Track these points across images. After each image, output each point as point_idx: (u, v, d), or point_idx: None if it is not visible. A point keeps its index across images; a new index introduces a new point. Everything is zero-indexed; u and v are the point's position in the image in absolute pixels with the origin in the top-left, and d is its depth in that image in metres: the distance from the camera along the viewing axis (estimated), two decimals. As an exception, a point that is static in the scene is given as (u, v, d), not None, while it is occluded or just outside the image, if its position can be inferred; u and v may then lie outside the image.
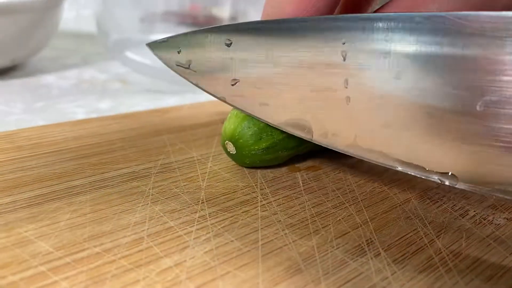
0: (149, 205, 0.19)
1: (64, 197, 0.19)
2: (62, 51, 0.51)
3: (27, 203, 0.19)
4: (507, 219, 0.20)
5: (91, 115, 0.33)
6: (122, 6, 0.47)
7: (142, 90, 0.40)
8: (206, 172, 0.22)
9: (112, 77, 0.43)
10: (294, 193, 0.21)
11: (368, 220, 0.19)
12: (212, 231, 0.18)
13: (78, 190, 0.20)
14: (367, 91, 0.18)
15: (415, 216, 0.20)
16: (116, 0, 0.47)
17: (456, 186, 0.17)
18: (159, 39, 0.25)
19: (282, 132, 0.22)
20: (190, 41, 0.23)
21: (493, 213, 0.21)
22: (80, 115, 0.33)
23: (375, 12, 0.25)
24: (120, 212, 0.19)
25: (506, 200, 0.22)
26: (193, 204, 0.20)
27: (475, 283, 0.16)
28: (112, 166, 0.22)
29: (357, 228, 0.19)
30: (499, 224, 0.20)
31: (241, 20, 0.56)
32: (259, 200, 0.20)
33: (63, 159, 0.23)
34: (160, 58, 0.25)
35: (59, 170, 0.22)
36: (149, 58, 0.45)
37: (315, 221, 0.19)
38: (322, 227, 0.19)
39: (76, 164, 0.22)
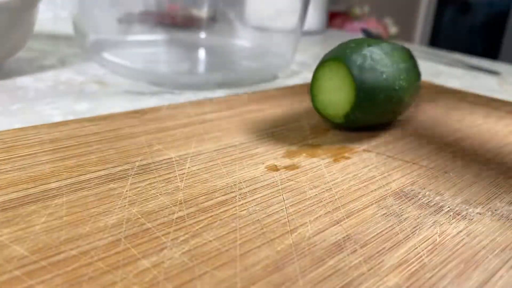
0: (126, 207, 0.19)
1: (40, 200, 0.19)
2: (39, 53, 0.50)
3: (1, 207, 0.18)
4: (480, 214, 0.21)
5: (68, 117, 0.32)
6: (99, 7, 0.46)
7: (120, 91, 0.39)
8: (184, 173, 0.22)
9: (89, 79, 0.42)
10: (272, 192, 0.21)
11: (345, 217, 0.20)
12: (190, 231, 0.18)
13: (54, 193, 0.20)
14: None
15: (391, 213, 0.20)
16: (93, 1, 0.47)
17: None
18: None
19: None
20: None
21: (467, 209, 0.21)
22: (57, 117, 0.32)
23: None
24: (97, 215, 0.18)
25: (478, 195, 0.23)
26: (171, 205, 0.19)
27: (449, 277, 0.16)
28: (89, 168, 0.22)
29: (334, 225, 0.19)
30: (472, 219, 0.20)
31: (220, 20, 0.56)
32: (237, 200, 0.20)
33: (39, 162, 0.22)
34: None
35: (34, 173, 0.21)
36: (127, 59, 0.45)
37: (293, 219, 0.19)
38: (300, 226, 0.19)
39: (52, 166, 0.22)
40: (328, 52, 0.30)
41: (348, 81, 0.28)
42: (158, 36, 0.55)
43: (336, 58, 0.28)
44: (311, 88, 0.30)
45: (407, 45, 0.93)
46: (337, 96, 0.29)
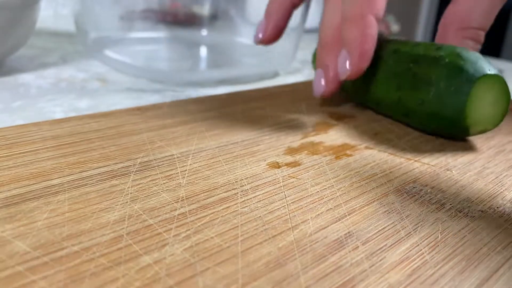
0: (128, 203, 0.19)
1: (42, 196, 0.19)
2: (41, 50, 0.50)
3: (4, 203, 0.18)
4: (481, 211, 0.21)
5: (69, 114, 0.32)
6: (101, 4, 0.46)
7: (122, 88, 0.39)
8: (186, 170, 0.22)
9: (91, 76, 0.42)
10: (274, 189, 0.21)
11: (347, 214, 0.20)
12: (192, 228, 0.18)
13: (56, 189, 0.20)
14: None
15: (392, 210, 0.20)
16: (95, -2, 0.47)
17: None
18: None
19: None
20: None
21: (469, 206, 0.21)
22: (59, 114, 0.32)
23: None
24: (99, 211, 0.18)
25: (480, 193, 0.23)
26: (172, 202, 0.20)
27: (451, 274, 0.16)
28: (90, 165, 0.22)
29: (335, 222, 0.19)
30: (474, 216, 0.20)
31: (222, 18, 0.56)
32: (239, 197, 0.20)
33: (41, 159, 0.22)
34: None
35: (36, 170, 0.21)
36: (129, 57, 0.45)
37: (294, 216, 0.19)
38: (301, 222, 0.19)
39: (54, 163, 0.22)
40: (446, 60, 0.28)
41: (504, 95, 0.28)
42: (160, 33, 0.55)
43: (494, 75, 0.27)
44: (465, 109, 0.27)
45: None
46: (492, 110, 0.28)
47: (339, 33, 0.30)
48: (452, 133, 0.29)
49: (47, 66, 0.44)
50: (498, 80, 0.27)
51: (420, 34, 2.57)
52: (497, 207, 0.21)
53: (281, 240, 0.17)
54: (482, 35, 0.32)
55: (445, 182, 0.24)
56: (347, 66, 0.29)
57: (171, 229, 0.18)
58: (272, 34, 0.35)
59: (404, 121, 0.31)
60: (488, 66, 0.27)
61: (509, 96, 0.27)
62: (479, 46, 0.32)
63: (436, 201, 0.21)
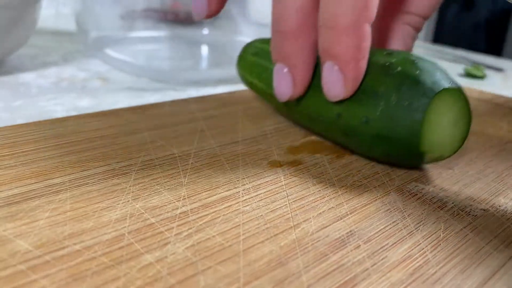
0: (129, 202, 0.19)
1: (44, 195, 0.19)
2: (41, 49, 0.50)
3: (5, 202, 0.18)
4: (483, 210, 0.21)
5: (70, 113, 0.32)
6: (101, 3, 0.46)
7: (123, 88, 0.39)
8: (187, 169, 0.22)
9: (92, 75, 0.42)
10: (276, 187, 0.21)
11: (348, 213, 0.20)
12: (194, 227, 0.18)
13: (58, 188, 0.20)
14: None
15: (394, 209, 0.20)
16: (96, -3, 0.47)
17: None
18: None
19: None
20: None
21: (470, 205, 0.21)
22: (60, 113, 0.32)
23: None
24: (101, 210, 0.18)
25: (481, 192, 0.23)
26: (174, 201, 0.19)
27: (453, 273, 0.16)
28: (92, 164, 0.22)
29: (337, 221, 0.19)
30: (476, 215, 0.20)
31: (223, 17, 0.56)
32: (240, 195, 0.20)
33: (42, 157, 0.22)
34: None
35: (38, 169, 0.21)
36: (130, 56, 0.45)
37: (296, 215, 0.19)
38: (303, 221, 0.19)
39: (56, 162, 0.22)
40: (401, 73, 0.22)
41: (466, 114, 0.23)
42: (161, 32, 0.55)
43: (456, 90, 0.22)
44: (420, 130, 0.22)
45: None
46: (451, 133, 0.22)
47: (308, 17, 0.22)
48: (402, 160, 0.23)
49: (48, 65, 0.44)
50: (461, 96, 0.22)
51: (422, 33, 2.57)
52: (499, 206, 0.21)
53: (283, 239, 0.17)
54: (422, 23, 0.30)
55: (447, 181, 0.24)
56: (340, 86, 0.22)
57: (173, 227, 0.18)
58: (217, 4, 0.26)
59: (343, 143, 0.25)
60: (448, 78, 0.23)
61: (471, 116, 0.23)
62: (416, 36, 0.30)
63: (437, 200, 0.21)
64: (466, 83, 0.53)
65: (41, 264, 0.15)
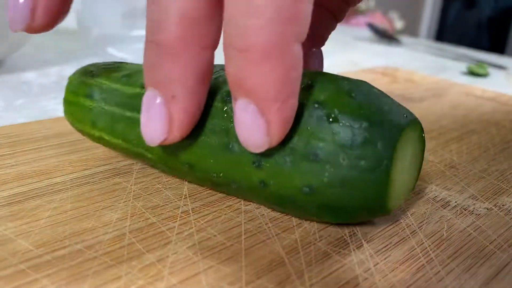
0: (131, 201, 0.19)
1: (45, 194, 0.19)
2: (43, 48, 0.50)
3: (6, 201, 0.18)
4: (487, 209, 0.21)
5: (72, 112, 0.32)
6: (103, 1, 0.46)
7: (125, 86, 0.39)
8: (189, 168, 0.22)
9: (94, 74, 0.42)
10: (278, 187, 0.21)
11: (351, 212, 0.19)
12: (195, 226, 0.18)
13: (59, 188, 0.20)
14: None
15: (397, 208, 0.20)
16: (97, -5, 0.47)
17: None
18: None
19: None
20: None
21: (474, 204, 0.21)
22: (61, 112, 0.32)
23: None
24: (102, 209, 0.18)
25: (485, 190, 0.22)
26: (175, 200, 0.19)
27: (456, 272, 0.16)
28: (93, 163, 0.22)
29: (340, 220, 0.19)
30: (479, 214, 0.20)
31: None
32: (242, 195, 0.20)
33: (44, 157, 0.22)
34: None
35: (39, 168, 0.21)
36: (132, 54, 0.45)
37: (298, 214, 0.19)
38: (305, 220, 0.19)
39: (57, 161, 0.22)
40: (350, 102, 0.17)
41: (421, 152, 0.19)
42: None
43: (415, 120, 0.18)
44: (387, 188, 0.16)
45: (413, 39, 0.93)
46: (407, 177, 0.18)
47: (199, 26, 0.15)
48: (361, 219, 0.18)
49: (49, 64, 0.44)
50: (419, 125, 0.18)
51: (424, 31, 2.56)
52: (503, 205, 0.21)
53: (285, 238, 0.17)
54: (346, 10, 0.23)
55: (449, 180, 0.23)
56: (260, 134, 0.15)
57: (174, 227, 0.17)
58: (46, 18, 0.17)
59: (275, 209, 0.19)
60: (392, 102, 0.18)
61: (422, 155, 0.19)
62: (333, 29, 0.24)
63: (441, 199, 0.21)
64: (469, 81, 0.53)
65: (42, 264, 0.15)
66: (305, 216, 0.18)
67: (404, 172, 0.18)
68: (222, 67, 0.20)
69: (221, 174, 0.18)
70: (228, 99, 0.18)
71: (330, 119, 0.16)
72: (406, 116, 0.17)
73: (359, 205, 0.17)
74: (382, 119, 0.16)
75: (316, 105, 0.17)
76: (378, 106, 0.17)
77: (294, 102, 0.15)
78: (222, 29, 0.15)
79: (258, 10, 0.13)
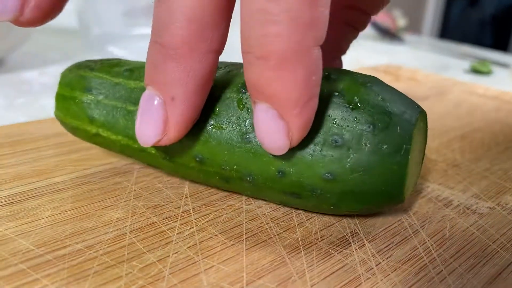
0: (131, 200, 0.19)
1: (45, 194, 0.19)
2: (43, 47, 0.50)
3: (7, 201, 0.18)
4: (490, 208, 0.21)
5: (73, 111, 0.32)
6: (104, 0, 0.46)
7: (126, 85, 0.39)
8: (190, 167, 0.22)
9: (95, 72, 0.42)
10: (279, 186, 0.21)
11: (353, 211, 0.19)
12: (196, 225, 0.18)
13: (59, 187, 0.20)
14: None
15: (399, 207, 0.20)
16: (98, -6, 0.47)
17: None
18: None
19: None
20: None
21: (477, 203, 0.21)
22: (63, 111, 0.32)
23: None
24: (102, 209, 0.18)
25: (488, 190, 0.22)
26: (176, 199, 0.19)
27: (459, 272, 0.16)
28: (93, 162, 0.22)
29: (341, 219, 0.19)
30: (482, 213, 0.20)
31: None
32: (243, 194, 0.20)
33: (44, 156, 0.22)
34: None
35: (39, 167, 0.21)
36: (133, 53, 0.45)
37: (299, 213, 0.19)
38: (307, 220, 0.18)
39: (57, 160, 0.22)
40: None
41: (424, 145, 0.19)
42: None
43: (423, 113, 0.18)
44: (404, 175, 0.17)
45: (416, 37, 0.92)
46: (414, 168, 0.18)
47: (207, 31, 0.15)
48: (375, 208, 0.18)
49: (50, 62, 0.44)
50: (426, 117, 0.19)
51: (427, 28, 2.56)
52: (506, 204, 0.21)
53: (286, 237, 0.17)
54: (366, 23, 0.24)
55: (452, 179, 0.23)
56: (282, 137, 0.15)
57: (175, 226, 0.17)
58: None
59: (291, 204, 0.19)
60: (399, 93, 0.18)
61: (427, 137, 0.19)
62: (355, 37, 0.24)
63: (443, 198, 0.21)
64: (472, 79, 0.53)
65: (43, 263, 0.15)
66: (319, 207, 0.18)
67: (414, 162, 0.18)
68: (230, 64, 0.20)
69: (235, 167, 0.18)
70: (243, 90, 0.18)
71: (351, 106, 0.17)
72: (417, 106, 0.18)
73: (379, 190, 0.17)
74: (399, 106, 0.17)
75: (336, 93, 0.17)
76: (392, 95, 0.17)
77: (314, 103, 0.16)
78: (240, 35, 0.15)
79: (276, 17, 0.13)
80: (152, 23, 0.16)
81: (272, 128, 0.15)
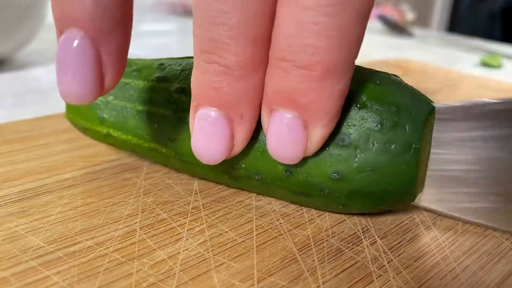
0: (141, 197, 0.19)
1: (55, 190, 0.19)
2: (51, 44, 0.50)
3: (17, 197, 0.18)
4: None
5: (82, 107, 0.32)
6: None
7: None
8: (199, 163, 0.22)
9: (103, 69, 0.42)
10: (289, 182, 0.21)
11: (364, 208, 0.19)
12: (206, 222, 0.17)
13: (69, 183, 0.20)
14: None
15: (410, 204, 0.20)
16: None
17: None
18: None
19: None
20: None
21: (489, 199, 0.21)
22: (71, 107, 0.32)
23: None
24: (112, 205, 0.18)
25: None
26: (186, 195, 0.19)
27: (471, 269, 0.16)
28: (103, 158, 0.22)
29: (352, 216, 0.19)
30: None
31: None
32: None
33: (53, 152, 0.22)
34: None
35: (49, 164, 0.21)
36: (139, 49, 0.45)
37: (310, 210, 0.19)
38: (317, 216, 0.18)
39: (67, 157, 0.22)
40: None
41: (431, 128, 0.18)
42: (170, 25, 0.54)
43: (432, 106, 0.17)
44: (416, 173, 0.17)
45: (424, 31, 0.91)
46: (423, 166, 0.18)
47: (261, 46, 0.15)
48: (386, 207, 0.18)
49: (59, 59, 0.44)
50: (434, 109, 0.18)
51: (436, 22, 2.53)
52: (519, 200, 0.21)
53: (297, 234, 0.17)
54: None
55: (464, 174, 0.23)
56: (300, 148, 0.16)
57: (185, 223, 0.17)
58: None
59: (301, 203, 0.19)
60: (410, 88, 0.18)
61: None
62: None
63: (455, 194, 0.21)
64: (482, 73, 0.52)
65: (53, 260, 0.15)
66: (328, 206, 0.18)
67: (423, 158, 0.17)
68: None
69: (243, 165, 0.18)
70: None
71: (359, 105, 0.17)
72: (428, 103, 0.17)
73: (388, 190, 0.17)
74: (409, 104, 0.17)
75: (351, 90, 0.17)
76: (402, 92, 0.17)
77: (339, 116, 0.16)
78: (273, 42, 0.15)
79: (329, 32, 0.14)
80: (197, 42, 0.16)
81: (293, 137, 0.15)
